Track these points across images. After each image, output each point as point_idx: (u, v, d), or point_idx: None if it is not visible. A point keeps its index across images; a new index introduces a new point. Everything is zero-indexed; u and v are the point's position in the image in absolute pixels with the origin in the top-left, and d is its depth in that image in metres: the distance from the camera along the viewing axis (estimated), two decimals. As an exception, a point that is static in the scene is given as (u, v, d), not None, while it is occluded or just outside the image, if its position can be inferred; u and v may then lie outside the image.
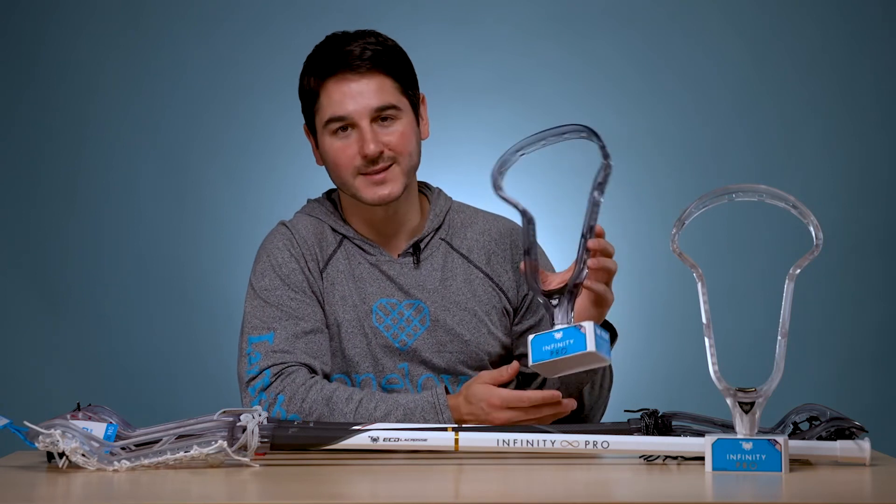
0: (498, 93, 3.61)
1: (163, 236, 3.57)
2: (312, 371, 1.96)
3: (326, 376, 1.98)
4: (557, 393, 1.86)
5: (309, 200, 2.14)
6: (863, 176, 3.56)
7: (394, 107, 2.00)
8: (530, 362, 1.68)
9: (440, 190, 2.15)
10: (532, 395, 1.86)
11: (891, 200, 3.56)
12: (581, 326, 1.67)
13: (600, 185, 1.73)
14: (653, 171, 3.57)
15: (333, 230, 2.07)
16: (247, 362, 1.95)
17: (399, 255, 2.07)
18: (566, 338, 1.67)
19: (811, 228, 1.59)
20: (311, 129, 2.06)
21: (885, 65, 3.57)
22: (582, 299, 1.80)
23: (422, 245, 2.08)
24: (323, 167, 2.08)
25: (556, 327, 1.69)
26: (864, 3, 3.57)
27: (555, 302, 1.73)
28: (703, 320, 1.58)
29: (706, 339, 1.58)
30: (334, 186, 2.13)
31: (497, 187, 1.81)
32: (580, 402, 1.99)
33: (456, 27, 3.58)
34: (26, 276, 3.53)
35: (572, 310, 1.72)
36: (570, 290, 1.73)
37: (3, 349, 3.53)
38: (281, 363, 1.94)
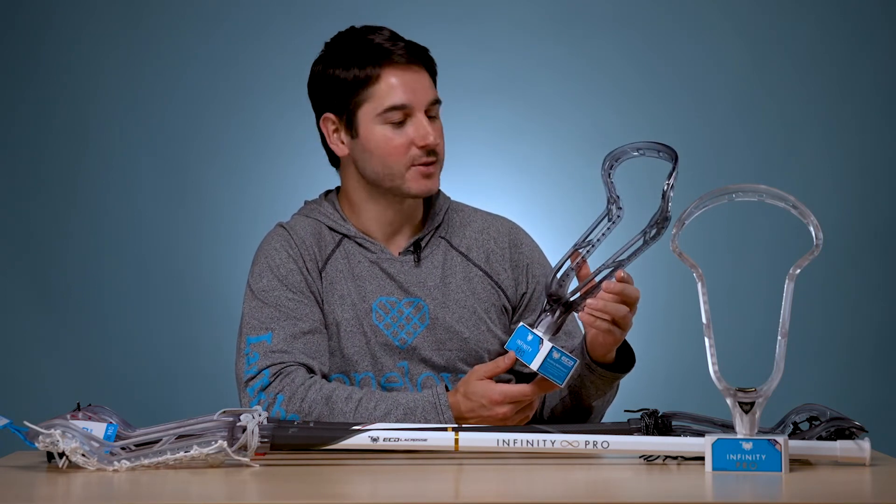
0: (498, 92, 3.61)
1: (163, 236, 3.57)
2: (311, 371, 1.96)
3: (325, 376, 1.98)
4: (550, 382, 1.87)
5: (306, 202, 2.14)
6: (863, 176, 3.56)
7: (439, 101, 2.03)
8: (507, 344, 1.78)
9: (440, 189, 2.15)
10: (532, 388, 1.86)
11: (891, 200, 3.56)
12: (542, 342, 1.71)
13: (653, 239, 1.73)
14: (653, 172, 3.56)
15: (333, 230, 2.07)
16: (245, 362, 1.95)
17: (400, 254, 2.07)
18: (530, 344, 1.74)
19: (811, 228, 1.59)
20: (347, 119, 2.03)
21: (885, 65, 3.57)
22: (597, 321, 1.81)
23: (422, 243, 2.08)
24: (328, 164, 2.08)
25: (535, 329, 1.74)
26: (864, 3, 3.57)
27: (548, 307, 1.76)
28: (703, 320, 1.58)
29: (706, 339, 1.58)
30: (332, 187, 2.14)
31: (606, 171, 1.80)
32: (590, 411, 2.00)
33: (456, 27, 3.58)
34: (26, 275, 3.53)
35: (558, 322, 1.75)
36: (564, 303, 1.75)
37: (3, 349, 3.53)
38: (279, 363, 1.94)
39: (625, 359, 1.92)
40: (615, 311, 1.79)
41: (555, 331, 1.77)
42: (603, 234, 1.80)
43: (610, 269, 1.76)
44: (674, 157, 1.74)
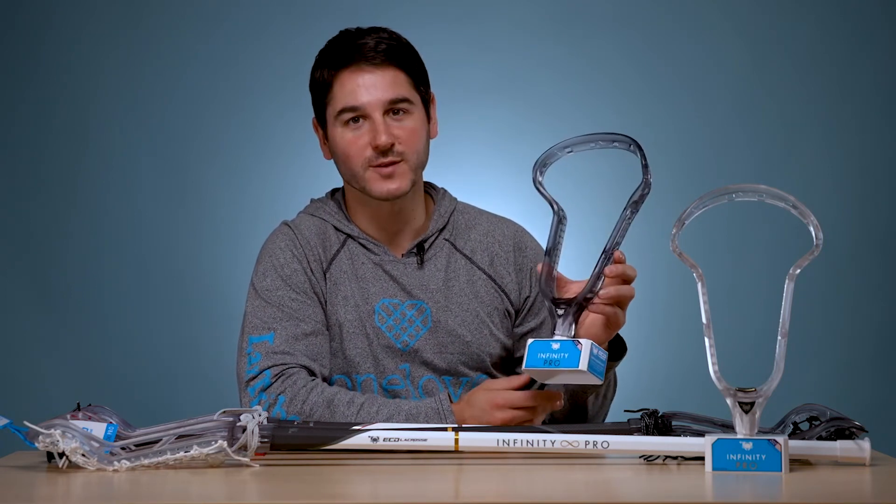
0: (498, 92, 3.61)
1: (163, 236, 3.57)
2: (312, 373, 1.96)
3: (325, 379, 1.98)
4: (559, 391, 1.87)
5: (312, 200, 2.13)
6: (863, 176, 3.56)
7: (406, 100, 2.00)
8: (524, 366, 1.69)
9: (445, 191, 2.15)
10: (534, 394, 1.86)
11: (891, 200, 3.56)
12: (578, 343, 1.67)
13: (635, 204, 1.73)
14: (653, 171, 3.56)
15: (337, 230, 2.07)
16: (246, 362, 1.95)
17: (403, 255, 2.07)
18: (562, 350, 1.68)
19: (811, 228, 1.59)
20: (322, 122, 2.06)
21: (885, 65, 3.57)
22: (594, 316, 1.77)
23: (426, 245, 2.08)
24: (329, 164, 2.08)
25: (555, 337, 1.69)
26: (864, 3, 3.58)
27: (561, 311, 1.72)
28: (703, 320, 1.58)
29: (706, 339, 1.58)
30: (336, 186, 2.14)
31: (537, 181, 1.80)
32: (584, 410, 1.99)
33: (456, 27, 3.58)
34: (26, 275, 3.53)
35: (575, 323, 1.71)
36: (578, 303, 1.72)
37: (3, 349, 3.53)
38: (281, 364, 1.94)
39: (615, 347, 1.89)
40: (625, 293, 1.76)
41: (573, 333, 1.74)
42: (560, 238, 1.78)
43: (607, 255, 1.74)
44: (629, 143, 1.75)
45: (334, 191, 2.13)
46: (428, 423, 1.87)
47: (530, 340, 1.68)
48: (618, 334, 1.85)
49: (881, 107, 3.57)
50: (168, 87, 3.58)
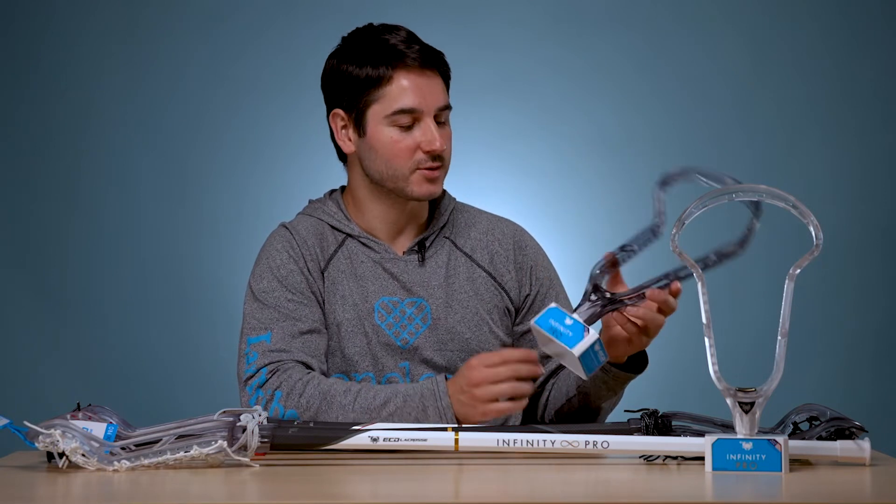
0: (498, 92, 3.61)
1: (163, 236, 3.57)
2: (309, 369, 1.96)
3: (323, 375, 1.98)
4: (534, 353, 1.85)
5: (310, 201, 2.13)
6: (863, 176, 3.56)
7: (449, 107, 2.03)
8: (534, 320, 1.70)
9: (445, 189, 2.15)
10: (508, 352, 1.85)
11: (891, 200, 3.56)
12: (587, 330, 1.68)
13: (723, 256, 1.70)
14: (653, 171, 3.55)
15: (336, 229, 2.07)
16: (245, 362, 1.96)
17: (404, 253, 2.07)
18: (571, 328, 1.69)
19: (811, 228, 1.59)
20: (355, 115, 2.02)
21: (885, 65, 3.57)
22: (618, 328, 1.80)
23: (427, 243, 2.08)
24: (329, 164, 2.08)
25: (573, 314, 1.70)
26: (864, 3, 3.57)
27: (595, 298, 1.73)
28: (703, 320, 1.58)
29: (706, 339, 1.58)
30: (334, 187, 2.13)
31: (661, 187, 1.76)
32: (598, 412, 2.00)
33: (456, 27, 3.58)
34: (26, 275, 3.53)
35: (600, 317, 1.72)
36: (610, 299, 1.73)
37: (3, 349, 3.53)
38: (278, 361, 1.94)
39: (636, 359, 1.91)
40: (651, 319, 1.78)
41: (591, 322, 1.74)
42: (642, 246, 1.76)
43: (666, 281, 1.75)
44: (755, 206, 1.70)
45: (332, 191, 2.14)
46: (423, 401, 1.87)
47: (553, 304, 1.70)
48: (645, 354, 1.87)
49: (881, 107, 3.57)
50: (168, 87, 3.58)
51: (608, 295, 1.74)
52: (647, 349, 1.89)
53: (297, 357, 1.95)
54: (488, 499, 1.46)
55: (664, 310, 1.78)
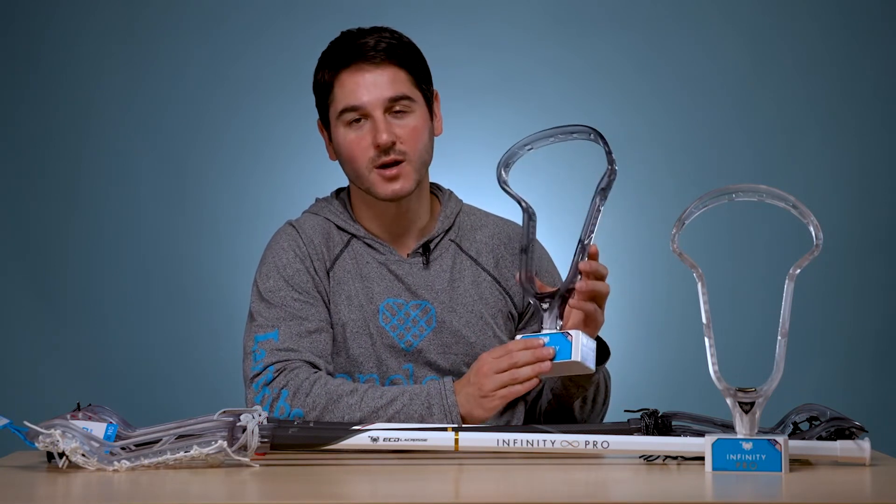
0: (498, 92, 3.61)
1: (163, 236, 3.57)
2: (316, 369, 1.96)
3: (329, 375, 1.98)
4: (539, 339, 1.84)
5: (317, 199, 2.13)
6: (863, 176, 3.56)
7: (407, 98, 1.99)
8: None
9: (451, 192, 2.14)
10: (513, 342, 1.84)
11: (891, 200, 3.56)
12: (568, 334, 1.71)
13: (603, 191, 1.76)
14: (653, 171, 3.57)
15: (342, 229, 2.07)
16: (252, 359, 1.95)
17: (409, 255, 2.07)
18: (553, 343, 1.74)
19: (811, 228, 1.59)
20: (325, 123, 2.05)
21: (885, 65, 3.57)
22: (576, 314, 1.81)
23: (432, 245, 2.07)
24: (330, 163, 2.08)
25: (544, 331, 1.73)
26: (864, 3, 3.57)
27: (546, 305, 1.76)
28: (703, 320, 1.58)
29: (706, 339, 1.58)
30: (338, 186, 2.13)
31: (501, 180, 1.85)
32: (572, 415, 2.00)
33: (456, 27, 3.58)
34: (26, 275, 3.53)
35: (561, 316, 1.76)
36: (561, 295, 1.76)
37: (3, 349, 3.53)
38: (285, 360, 1.94)
39: (599, 351, 1.90)
40: (600, 288, 1.80)
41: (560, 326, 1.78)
42: (533, 234, 1.84)
43: (583, 246, 1.78)
44: (589, 132, 1.78)
45: (339, 190, 2.13)
46: (429, 400, 1.87)
47: (519, 335, 1.72)
48: (601, 339, 1.87)
49: (881, 107, 3.57)
50: (168, 86, 3.58)
51: (553, 292, 1.78)
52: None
53: (305, 357, 1.95)
54: (488, 499, 1.46)
55: (599, 276, 1.80)
